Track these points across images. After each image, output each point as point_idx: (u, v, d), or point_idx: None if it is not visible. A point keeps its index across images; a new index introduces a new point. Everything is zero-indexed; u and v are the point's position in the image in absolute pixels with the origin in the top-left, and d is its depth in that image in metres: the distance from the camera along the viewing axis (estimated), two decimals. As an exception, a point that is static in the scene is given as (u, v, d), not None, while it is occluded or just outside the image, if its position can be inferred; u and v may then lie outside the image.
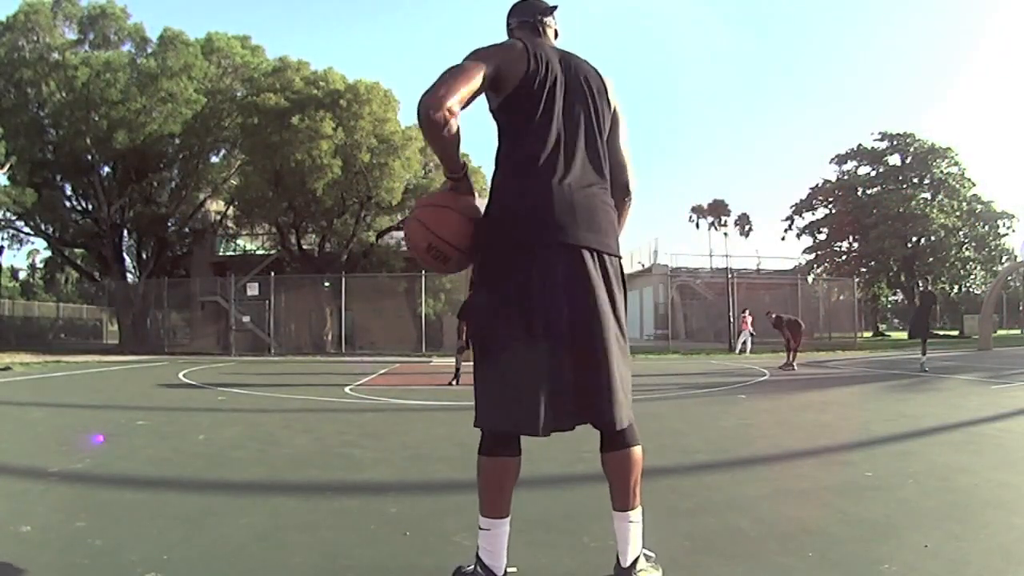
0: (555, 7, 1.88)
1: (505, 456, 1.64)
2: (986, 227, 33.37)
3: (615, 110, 1.82)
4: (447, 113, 1.51)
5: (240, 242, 26.83)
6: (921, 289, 11.72)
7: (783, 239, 41.66)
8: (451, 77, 1.56)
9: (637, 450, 1.71)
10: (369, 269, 21.14)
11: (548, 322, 1.59)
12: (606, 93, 1.79)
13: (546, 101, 1.67)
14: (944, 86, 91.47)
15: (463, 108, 1.58)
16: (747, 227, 50.85)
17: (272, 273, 20.17)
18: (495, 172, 1.73)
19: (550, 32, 1.87)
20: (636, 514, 1.69)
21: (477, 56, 1.64)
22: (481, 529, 1.65)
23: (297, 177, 18.59)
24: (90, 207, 23.02)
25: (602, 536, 2.18)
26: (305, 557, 2.00)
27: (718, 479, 3.07)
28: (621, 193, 1.83)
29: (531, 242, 1.62)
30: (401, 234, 23.97)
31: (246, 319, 19.43)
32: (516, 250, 1.63)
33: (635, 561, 1.68)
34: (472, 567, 1.66)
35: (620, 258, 1.76)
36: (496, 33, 1.93)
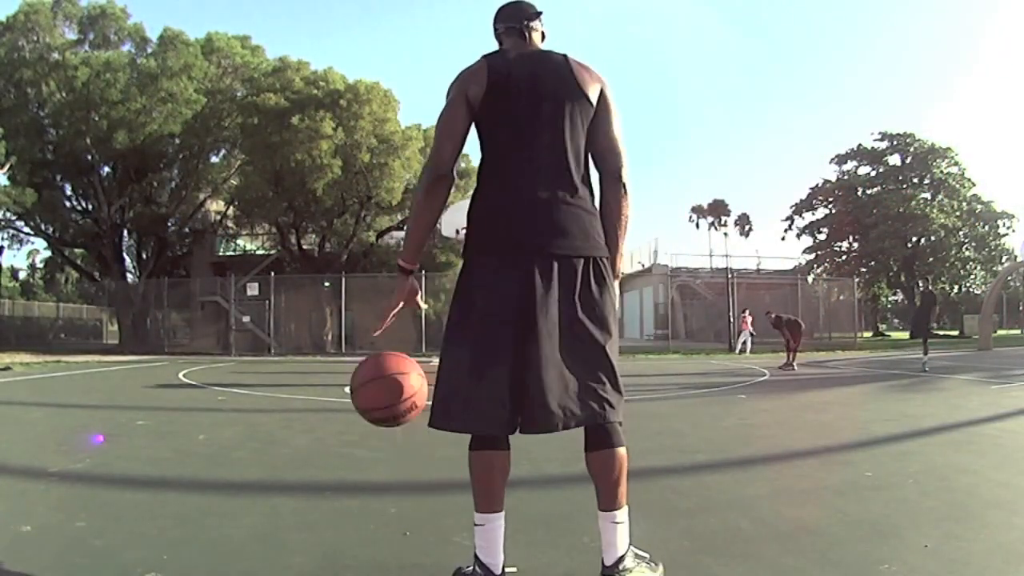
0: (540, 12, 1.89)
1: (490, 450, 1.67)
2: (986, 227, 33.36)
3: (602, 97, 1.77)
4: (451, 171, 1.74)
5: (240, 242, 26.84)
6: (921, 289, 11.70)
7: (783, 239, 41.72)
8: (439, 135, 1.74)
9: (620, 451, 1.70)
10: (369, 269, 21.14)
11: (497, 329, 1.62)
12: (579, 86, 1.73)
13: (508, 111, 1.71)
14: (946, 86, 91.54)
15: (462, 148, 1.75)
16: (747, 227, 50.82)
17: (272, 273, 20.16)
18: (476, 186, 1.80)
19: (536, 36, 1.88)
20: (621, 514, 1.70)
21: (452, 93, 1.74)
22: (476, 525, 1.68)
23: (297, 177, 18.58)
24: (90, 207, 23.00)
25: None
26: (305, 557, 2.00)
27: (718, 479, 3.07)
28: (612, 178, 1.78)
29: (489, 252, 1.70)
30: (401, 234, 24.02)
31: (246, 319, 19.43)
32: (478, 259, 1.72)
33: (619, 560, 1.68)
34: (471, 567, 1.68)
35: (593, 258, 1.71)
36: (493, 42, 1.94)
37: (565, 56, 1.79)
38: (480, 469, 1.68)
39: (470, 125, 1.74)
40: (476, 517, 1.68)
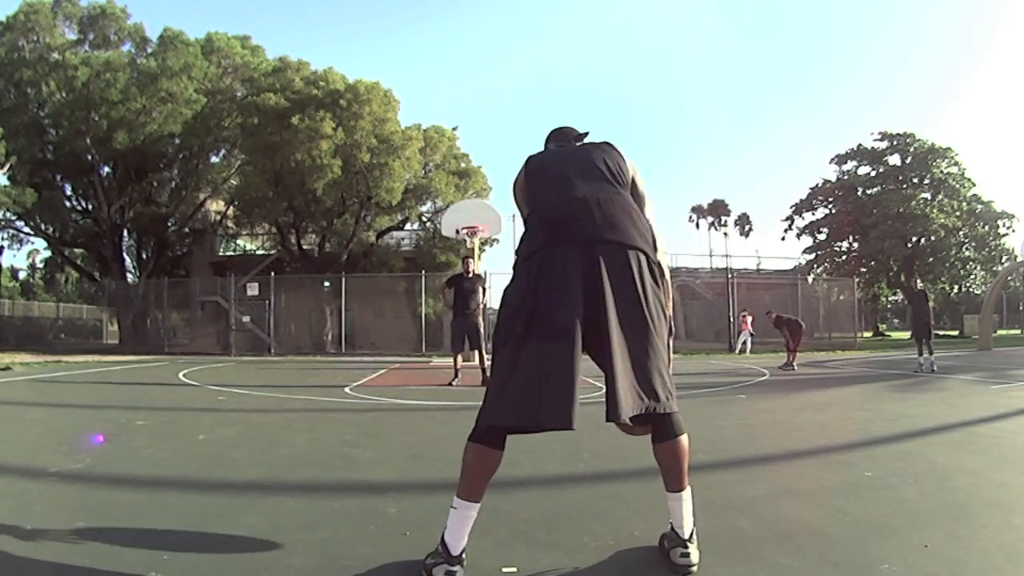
0: (586, 133, 2.22)
1: (489, 447, 1.81)
2: (986, 227, 33.30)
3: (634, 183, 2.03)
4: None
5: (240, 242, 26.84)
6: (915, 289, 11.67)
7: (783, 239, 41.73)
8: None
9: (683, 439, 1.89)
10: (369, 269, 21.14)
11: (565, 326, 1.73)
12: (617, 152, 2.04)
13: (550, 168, 2.01)
14: (948, 87, 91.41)
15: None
16: (747, 227, 50.85)
17: (272, 273, 20.17)
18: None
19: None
20: (687, 494, 1.90)
21: (516, 193, 2.08)
22: (452, 508, 1.82)
23: (297, 177, 18.58)
24: (90, 207, 23.01)
25: (602, 536, 2.19)
26: (305, 557, 2.00)
27: (718, 479, 3.07)
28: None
29: (543, 248, 1.83)
30: (401, 234, 24.02)
31: (246, 319, 19.42)
32: (537, 255, 1.83)
33: (692, 534, 1.88)
34: (436, 548, 1.82)
35: (648, 254, 1.87)
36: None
37: (606, 144, 2.08)
38: (474, 461, 1.81)
39: (529, 203, 2.01)
40: (454, 500, 1.82)
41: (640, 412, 1.75)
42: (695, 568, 1.84)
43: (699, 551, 1.87)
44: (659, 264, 1.91)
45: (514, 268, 1.89)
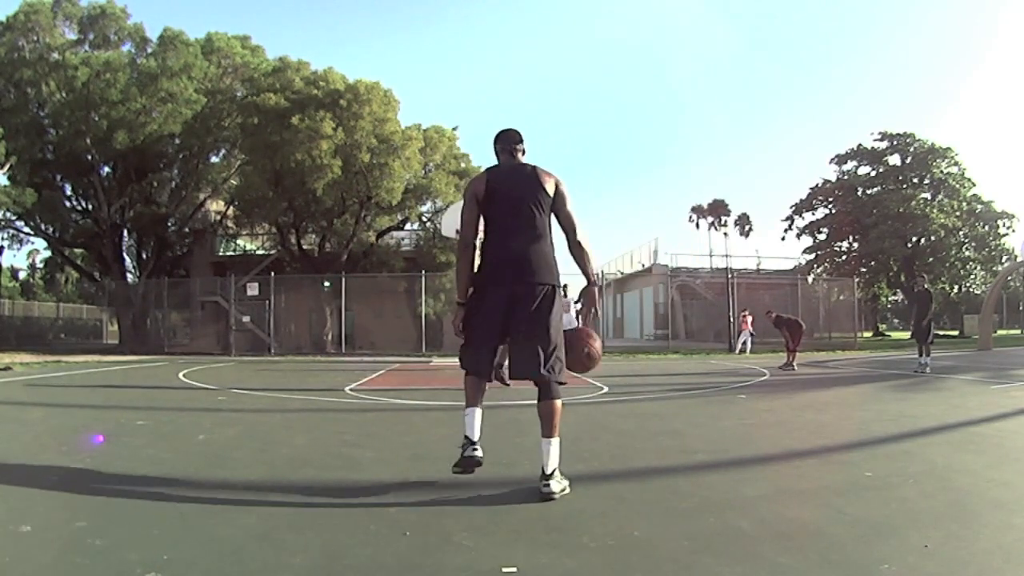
0: (522, 140, 3.01)
1: (475, 376, 2.85)
2: (986, 227, 33.31)
3: (557, 191, 2.87)
4: (474, 241, 2.88)
5: (240, 242, 26.79)
6: (917, 289, 11.61)
7: (783, 239, 41.66)
8: (464, 222, 2.87)
9: (556, 402, 2.76)
10: (369, 269, 21.12)
11: (493, 323, 2.81)
12: (541, 185, 2.84)
13: (499, 203, 2.84)
14: (948, 88, 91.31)
15: (479, 227, 2.89)
16: (747, 227, 50.73)
17: (272, 273, 20.15)
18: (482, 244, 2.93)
19: (519, 154, 2.99)
20: (554, 440, 2.73)
21: (467, 195, 2.90)
22: (464, 415, 2.81)
23: (297, 177, 18.56)
24: (90, 207, 22.98)
25: (602, 536, 2.19)
26: (305, 557, 2.00)
27: (718, 479, 3.07)
28: (574, 242, 2.92)
29: (491, 283, 2.83)
30: (401, 234, 24.02)
31: (246, 319, 19.41)
32: (484, 286, 2.85)
33: (553, 471, 2.70)
34: (463, 443, 2.77)
35: (551, 285, 2.82)
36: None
37: (534, 167, 2.91)
38: (469, 385, 2.84)
39: (481, 213, 2.86)
40: (464, 411, 2.82)
41: (534, 376, 2.72)
42: (555, 496, 2.62)
43: (560, 484, 2.67)
44: (564, 287, 2.84)
45: (473, 289, 2.86)
